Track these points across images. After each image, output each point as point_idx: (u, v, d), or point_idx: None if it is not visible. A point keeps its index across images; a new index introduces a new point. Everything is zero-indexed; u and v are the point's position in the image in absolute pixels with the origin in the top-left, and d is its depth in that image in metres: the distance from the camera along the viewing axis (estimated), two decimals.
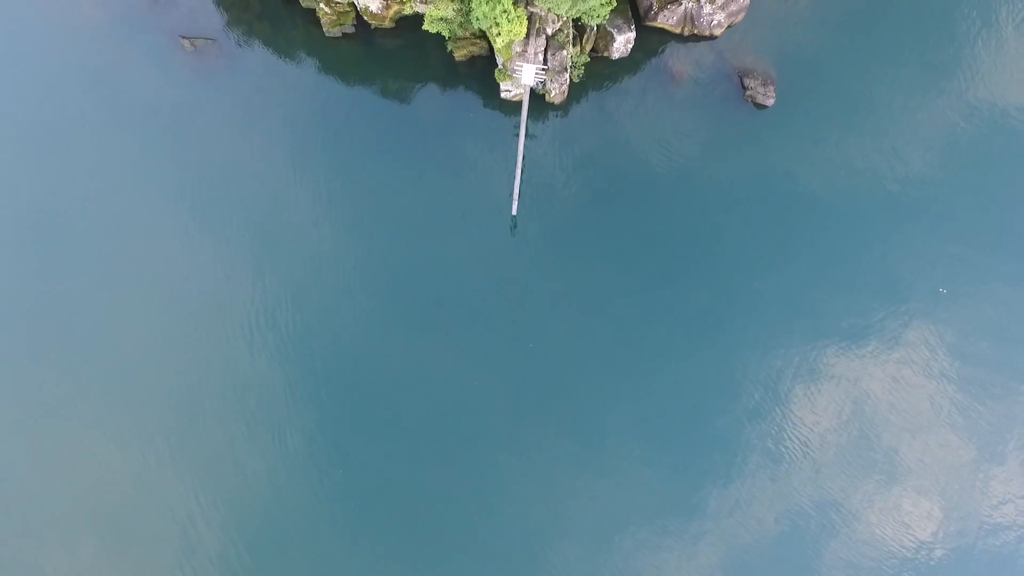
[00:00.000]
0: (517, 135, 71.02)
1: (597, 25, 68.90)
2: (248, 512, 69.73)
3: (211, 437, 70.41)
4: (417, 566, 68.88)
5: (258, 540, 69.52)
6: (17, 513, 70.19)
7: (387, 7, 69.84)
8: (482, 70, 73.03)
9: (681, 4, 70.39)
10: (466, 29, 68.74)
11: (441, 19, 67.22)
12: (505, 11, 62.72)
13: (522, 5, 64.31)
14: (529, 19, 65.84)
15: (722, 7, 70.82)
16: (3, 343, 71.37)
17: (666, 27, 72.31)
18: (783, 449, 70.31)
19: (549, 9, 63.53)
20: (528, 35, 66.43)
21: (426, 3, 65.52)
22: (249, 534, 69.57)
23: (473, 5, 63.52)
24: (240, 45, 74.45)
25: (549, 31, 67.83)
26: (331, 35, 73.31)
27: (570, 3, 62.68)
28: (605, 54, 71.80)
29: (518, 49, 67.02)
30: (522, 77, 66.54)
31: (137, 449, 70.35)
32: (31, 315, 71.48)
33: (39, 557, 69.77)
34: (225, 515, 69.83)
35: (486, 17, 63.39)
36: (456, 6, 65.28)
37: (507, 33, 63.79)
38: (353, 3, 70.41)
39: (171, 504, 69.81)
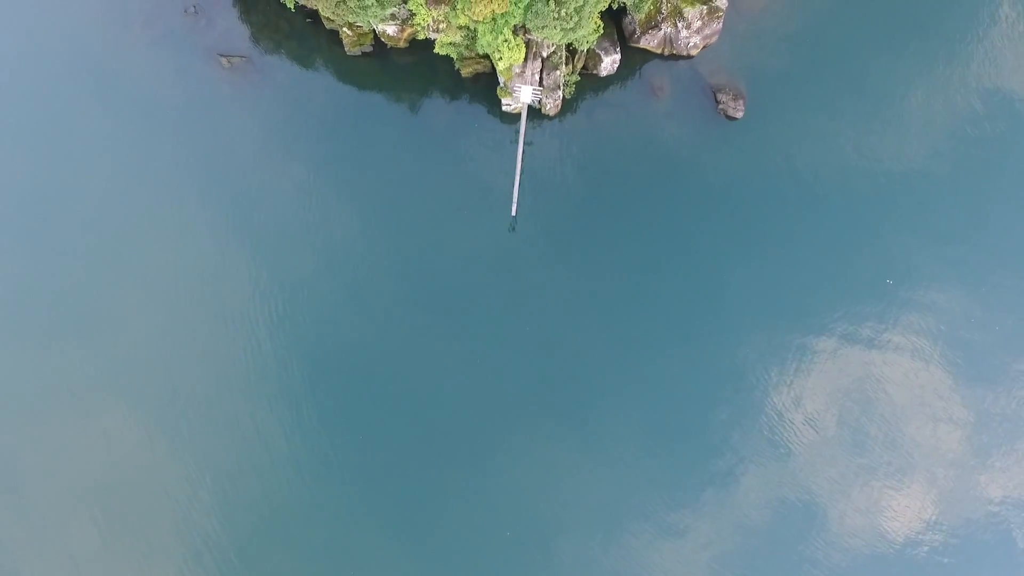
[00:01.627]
0: (516, 143, 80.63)
1: (587, 48, 78.35)
2: (252, 496, 77.56)
3: (217, 424, 78.14)
4: (419, 553, 76.81)
5: (261, 525, 77.41)
6: (24, 498, 77.82)
7: (402, 31, 79.24)
8: (485, 85, 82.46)
9: (661, 29, 79.81)
10: (472, 51, 78.21)
11: (450, 43, 76.76)
12: (506, 40, 72.32)
13: (520, 34, 73.83)
14: (527, 45, 75.34)
15: (697, 31, 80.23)
16: (26, 331, 79.84)
17: (648, 48, 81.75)
18: (776, 437, 78.40)
19: (544, 37, 73.02)
20: (526, 59, 75.98)
21: (437, 31, 74.98)
22: (251, 520, 77.41)
23: (478, 34, 73.12)
24: (271, 62, 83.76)
25: (544, 54, 77.38)
26: (352, 54, 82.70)
27: (562, 33, 72.19)
28: (594, 72, 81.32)
29: (517, 71, 76.60)
30: (521, 96, 76.22)
31: (143, 434, 78.02)
32: (66, 306, 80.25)
33: (44, 542, 77.58)
34: (227, 502, 77.40)
35: (490, 45, 73.01)
36: (463, 34, 74.78)
37: (507, 59, 73.41)
38: (372, 27, 79.79)
39: (173, 489, 77.44)
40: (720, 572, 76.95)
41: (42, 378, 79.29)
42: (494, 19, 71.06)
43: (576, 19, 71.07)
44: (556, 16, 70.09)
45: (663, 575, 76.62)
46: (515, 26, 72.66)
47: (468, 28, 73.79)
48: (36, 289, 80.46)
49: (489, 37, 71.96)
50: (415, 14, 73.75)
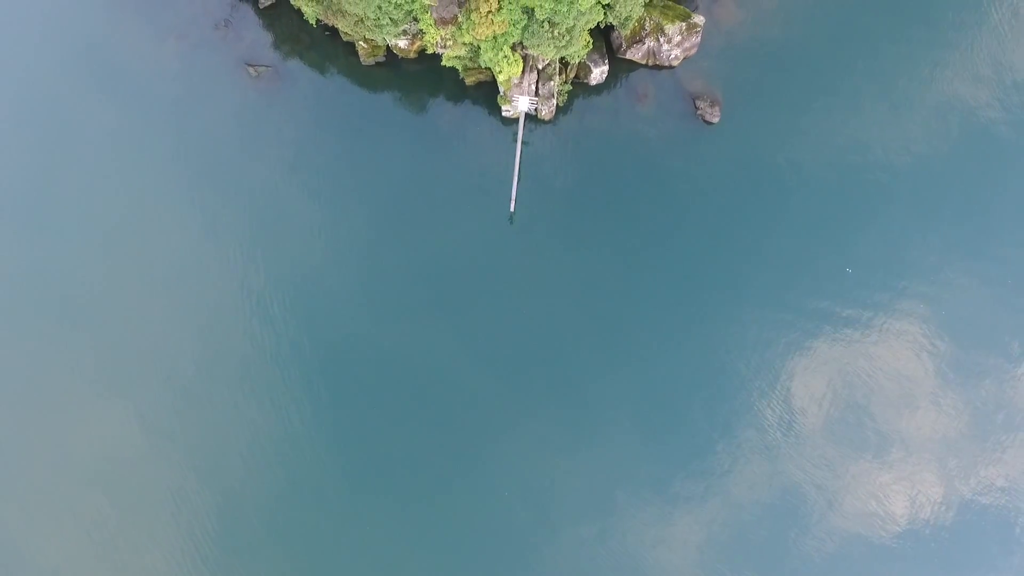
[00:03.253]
0: (515, 145, 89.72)
1: (578, 61, 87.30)
2: (253, 486, 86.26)
3: (221, 416, 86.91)
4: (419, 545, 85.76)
5: (263, 517, 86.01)
6: (21, 491, 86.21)
7: (412, 44, 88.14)
8: (487, 92, 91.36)
9: (645, 43, 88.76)
10: (475, 64, 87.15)
11: (456, 57, 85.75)
12: (505, 56, 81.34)
13: (518, 50, 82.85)
14: (524, 59, 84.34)
15: (678, 44, 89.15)
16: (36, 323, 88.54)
17: (634, 60, 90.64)
18: (768, 428, 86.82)
19: (540, 53, 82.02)
20: (523, 71, 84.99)
21: (445, 47, 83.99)
22: (252, 508, 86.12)
23: (481, 50, 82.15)
24: (293, 71, 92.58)
25: (540, 67, 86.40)
26: (366, 63, 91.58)
27: (555, 50, 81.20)
28: (585, 81, 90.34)
29: (515, 82, 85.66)
30: (519, 105, 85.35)
31: (142, 426, 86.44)
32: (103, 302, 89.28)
33: (39, 534, 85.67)
34: (227, 490, 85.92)
35: (491, 60, 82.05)
36: (467, 49, 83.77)
37: (507, 72, 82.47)
38: (385, 41, 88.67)
39: (170, 480, 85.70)
40: (710, 554, 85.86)
41: (39, 370, 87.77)
42: (495, 38, 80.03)
43: (568, 38, 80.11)
44: (550, 36, 79.11)
45: (654, 558, 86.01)
46: (513, 43, 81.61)
47: (472, 45, 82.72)
48: (70, 281, 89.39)
49: (490, 53, 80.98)
50: (425, 32, 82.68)
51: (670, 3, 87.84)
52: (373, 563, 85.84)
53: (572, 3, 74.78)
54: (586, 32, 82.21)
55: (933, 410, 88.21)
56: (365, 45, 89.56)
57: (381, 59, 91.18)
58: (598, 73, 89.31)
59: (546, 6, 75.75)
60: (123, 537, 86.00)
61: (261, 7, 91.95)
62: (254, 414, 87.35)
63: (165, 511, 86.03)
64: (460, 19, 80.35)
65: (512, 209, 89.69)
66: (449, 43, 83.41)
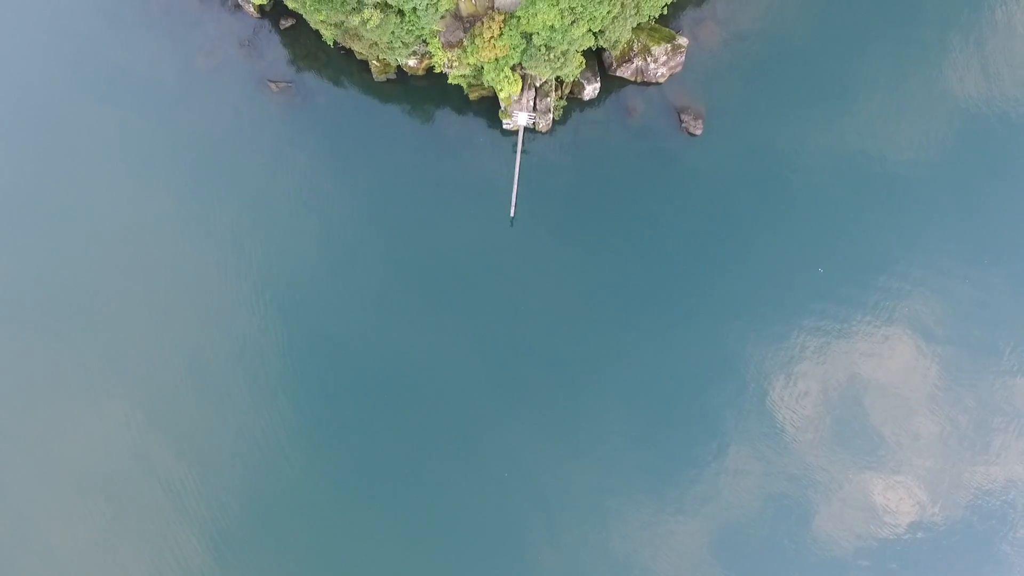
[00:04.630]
0: (515, 155, 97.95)
1: (572, 79, 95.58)
2: (259, 482, 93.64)
3: (215, 416, 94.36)
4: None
5: (264, 513, 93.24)
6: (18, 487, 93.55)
7: (421, 63, 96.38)
8: (489, 106, 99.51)
9: (633, 62, 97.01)
10: (478, 81, 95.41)
11: (461, 75, 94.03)
12: (506, 76, 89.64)
13: (518, 71, 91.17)
14: (523, 78, 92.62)
15: (664, 63, 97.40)
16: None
17: (624, 77, 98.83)
18: (767, 428, 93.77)
19: (537, 73, 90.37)
20: (522, 89, 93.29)
21: (451, 68, 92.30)
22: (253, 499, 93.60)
23: (484, 70, 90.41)
24: (311, 86, 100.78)
25: (537, 84, 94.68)
26: (378, 80, 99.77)
27: (551, 70, 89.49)
28: (579, 97, 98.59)
29: (515, 99, 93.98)
30: (518, 120, 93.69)
31: (136, 423, 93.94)
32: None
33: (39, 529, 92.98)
34: (226, 485, 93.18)
35: (493, 79, 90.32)
36: (471, 69, 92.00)
37: (507, 90, 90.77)
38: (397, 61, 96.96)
39: (166, 476, 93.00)
40: (708, 554, 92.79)
41: (39, 370, 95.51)
42: (497, 60, 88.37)
43: (563, 60, 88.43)
44: (547, 58, 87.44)
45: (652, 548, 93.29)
46: (513, 65, 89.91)
47: (476, 65, 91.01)
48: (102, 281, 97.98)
49: (492, 74, 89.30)
50: (433, 54, 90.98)
51: (656, 26, 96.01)
52: (372, 563, 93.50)
53: (566, 31, 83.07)
54: (579, 54, 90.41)
55: (931, 411, 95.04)
56: (378, 63, 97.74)
57: (392, 76, 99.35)
58: (591, 90, 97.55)
59: (543, 33, 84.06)
60: (122, 537, 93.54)
61: (282, 28, 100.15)
62: (255, 414, 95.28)
63: (164, 511, 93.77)
64: (465, 43, 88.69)
65: (512, 213, 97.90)
66: (455, 63, 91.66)
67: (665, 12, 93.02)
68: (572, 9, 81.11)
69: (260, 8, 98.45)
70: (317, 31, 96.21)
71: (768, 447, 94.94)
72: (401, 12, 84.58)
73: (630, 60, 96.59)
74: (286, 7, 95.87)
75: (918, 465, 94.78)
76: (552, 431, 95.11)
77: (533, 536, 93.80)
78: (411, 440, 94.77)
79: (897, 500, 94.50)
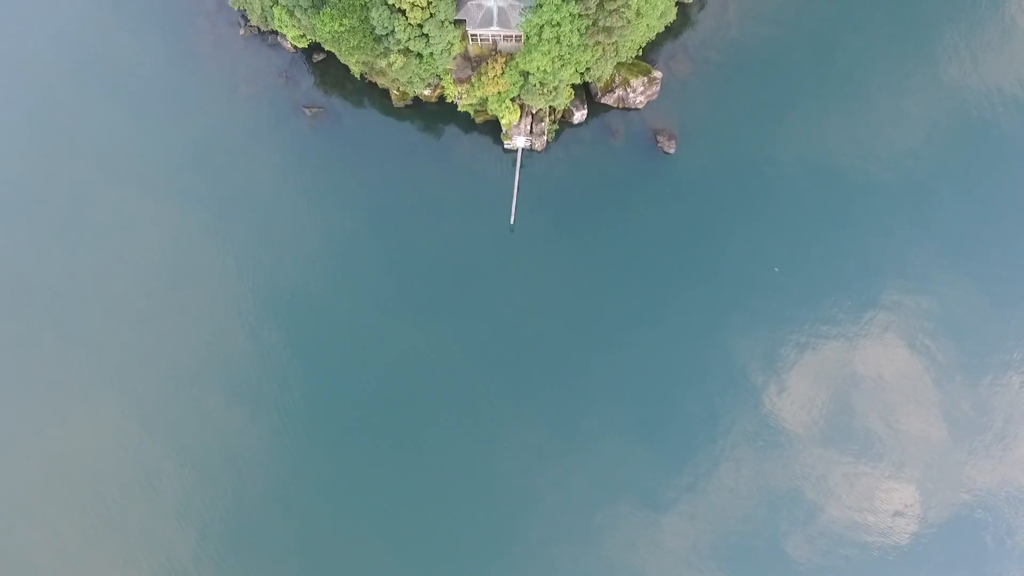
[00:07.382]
0: (514, 171, 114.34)
1: (563, 107, 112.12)
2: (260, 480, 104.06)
3: (217, 416, 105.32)
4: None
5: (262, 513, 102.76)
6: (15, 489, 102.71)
7: (434, 92, 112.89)
8: (492, 128, 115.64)
9: (615, 92, 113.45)
10: (483, 108, 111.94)
11: (468, 104, 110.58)
12: (507, 106, 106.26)
13: (517, 102, 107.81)
14: (521, 107, 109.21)
15: (642, 92, 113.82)
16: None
17: (607, 104, 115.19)
18: (763, 428, 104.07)
19: (533, 104, 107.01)
20: (520, 116, 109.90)
21: (460, 99, 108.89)
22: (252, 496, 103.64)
23: (488, 102, 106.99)
24: (340, 111, 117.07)
25: (533, 111, 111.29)
26: (398, 105, 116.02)
27: (545, 101, 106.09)
28: (569, 121, 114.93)
29: (514, 124, 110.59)
30: (517, 142, 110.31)
31: (129, 423, 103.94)
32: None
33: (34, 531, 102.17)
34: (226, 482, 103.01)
35: (496, 109, 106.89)
36: (478, 100, 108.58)
37: (508, 118, 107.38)
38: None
39: (162, 476, 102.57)
40: (704, 554, 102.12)
41: (38, 369, 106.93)
42: (499, 93, 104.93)
43: (555, 93, 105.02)
44: (541, 92, 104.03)
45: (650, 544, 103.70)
46: (513, 97, 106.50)
47: (481, 97, 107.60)
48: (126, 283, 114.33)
49: (495, 104, 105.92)
50: (446, 87, 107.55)
51: (635, 61, 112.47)
52: (373, 563, 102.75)
53: (557, 72, 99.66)
54: (569, 87, 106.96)
55: (929, 412, 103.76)
56: (397, 92, 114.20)
57: (409, 102, 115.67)
58: (579, 115, 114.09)
59: (538, 73, 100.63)
60: (120, 536, 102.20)
61: (314, 61, 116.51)
62: (257, 413, 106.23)
63: (165, 510, 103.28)
64: (473, 79, 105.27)
65: (512, 220, 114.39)
66: (464, 95, 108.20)
67: (640, 54, 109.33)
68: (561, 56, 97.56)
69: (296, 45, 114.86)
70: (345, 64, 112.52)
71: (765, 447, 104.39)
72: (420, 55, 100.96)
73: (612, 90, 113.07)
74: (318, 43, 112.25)
75: (915, 464, 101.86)
76: (550, 428, 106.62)
77: (533, 536, 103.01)
78: (411, 440, 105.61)
79: (897, 500, 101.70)
